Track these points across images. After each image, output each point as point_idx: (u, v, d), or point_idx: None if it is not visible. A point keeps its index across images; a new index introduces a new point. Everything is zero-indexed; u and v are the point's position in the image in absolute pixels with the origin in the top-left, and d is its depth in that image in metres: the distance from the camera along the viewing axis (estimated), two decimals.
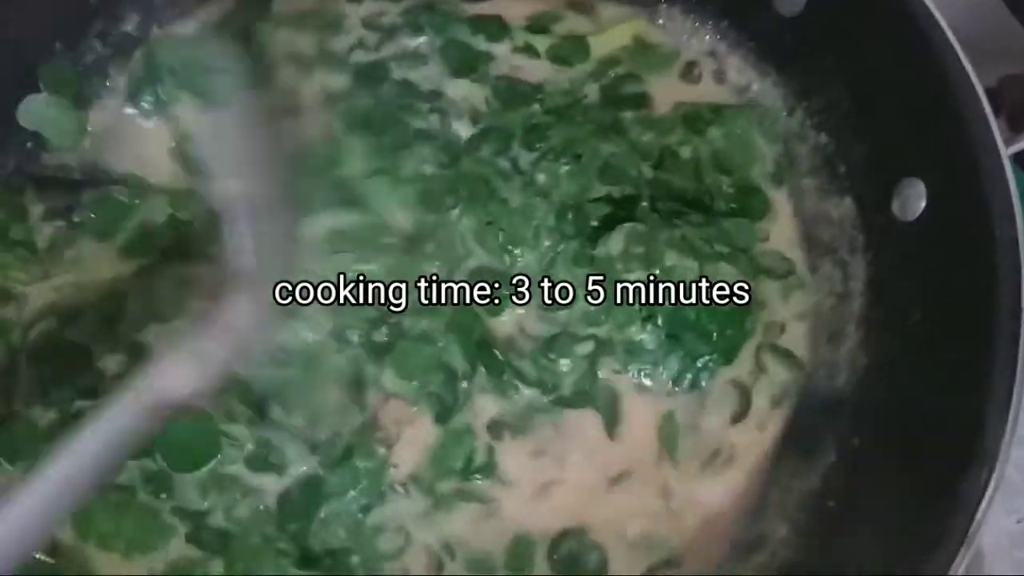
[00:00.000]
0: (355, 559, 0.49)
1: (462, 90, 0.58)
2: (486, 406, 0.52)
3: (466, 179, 0.55)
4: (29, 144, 0.55)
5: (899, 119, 0.50)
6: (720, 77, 0.60)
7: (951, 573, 0.40)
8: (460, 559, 0.49)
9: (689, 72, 0.59)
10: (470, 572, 0.49)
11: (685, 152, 0.56)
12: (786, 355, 0.53)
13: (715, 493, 0.51)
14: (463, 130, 0.56)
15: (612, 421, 0.52)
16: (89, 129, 0.57)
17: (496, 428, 0.51)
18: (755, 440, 0.52)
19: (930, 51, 0.47)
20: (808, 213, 0.56)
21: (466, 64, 0.58)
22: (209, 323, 0.45)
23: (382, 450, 0.50)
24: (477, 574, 0.49)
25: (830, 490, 0.49)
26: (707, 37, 0.60)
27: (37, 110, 0.55)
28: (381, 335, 0.51)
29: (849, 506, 0.48)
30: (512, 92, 0.57)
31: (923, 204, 0.48)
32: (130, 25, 0.58)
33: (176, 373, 0.43)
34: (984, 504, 0.40)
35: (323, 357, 0.51)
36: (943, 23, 0.46)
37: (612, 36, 0.60)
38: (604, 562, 0.50)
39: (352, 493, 0.49)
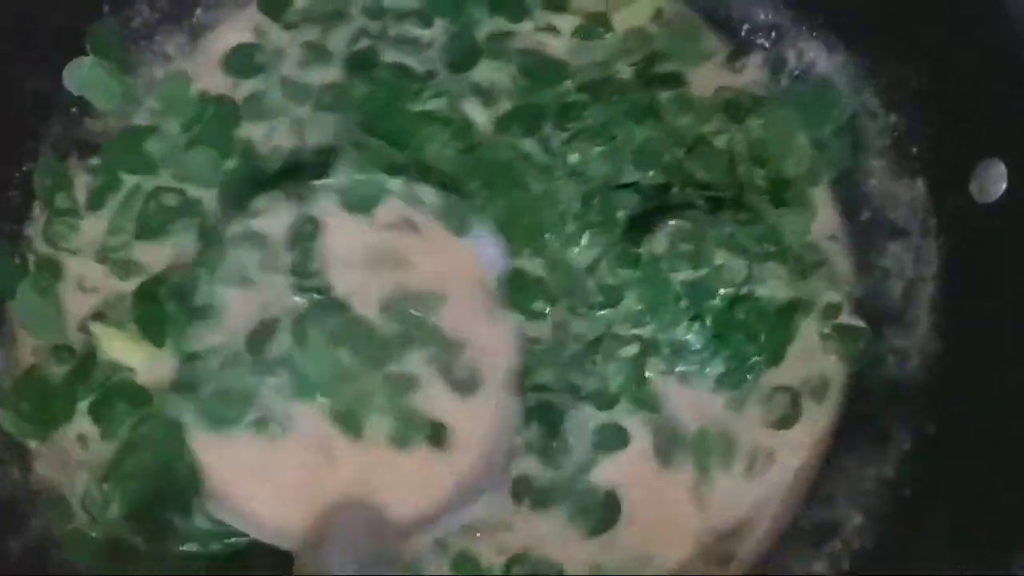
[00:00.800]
0: None
1: (484, 72, 0.55)
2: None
3: (485, 165, 0.53)
4: (74, 109, 0.54)
5: (976, 97, 0.48)
6: (772, 57, 0.58)
7: None
8: None
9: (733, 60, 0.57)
10: None
11: (719, 142, 0.54)
12: (849, 330, 0.52)
13: (752, 495, 0.50)
14: (477, 114, 0.54)
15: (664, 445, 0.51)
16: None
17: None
18: (803, 438, 0.51)
19: (1010, 24, 0.45)
20: (876, 195, 0.54)
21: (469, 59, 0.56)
22: None
23: None
24: None
25: (906, 478, 0.48)
26: (770, 13, 0.58)
27: (83, 74, 0.53)
28: None
29: (926, 493, 0.47)
30: (540, 66, 0.55)
31: (1003, 186, 0.46)
32: None
33: None
34: None
35: None
36: None
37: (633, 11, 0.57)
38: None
39: None
